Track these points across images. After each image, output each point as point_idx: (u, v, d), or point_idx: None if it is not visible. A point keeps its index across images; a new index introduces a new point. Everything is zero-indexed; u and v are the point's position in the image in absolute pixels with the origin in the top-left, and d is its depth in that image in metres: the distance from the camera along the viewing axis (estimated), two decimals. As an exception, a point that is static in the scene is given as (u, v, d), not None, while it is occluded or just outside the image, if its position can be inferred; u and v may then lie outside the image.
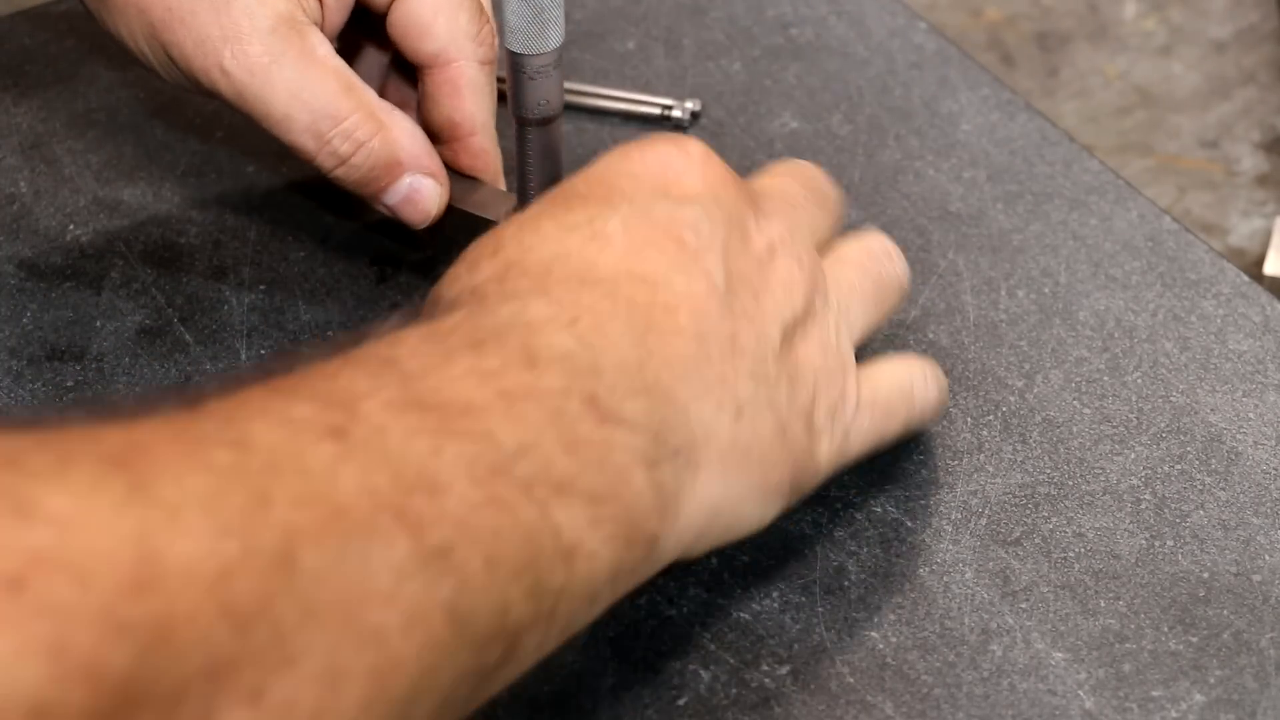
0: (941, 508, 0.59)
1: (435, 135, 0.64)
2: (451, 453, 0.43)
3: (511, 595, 0.43)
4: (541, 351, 0.47)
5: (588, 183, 0.53)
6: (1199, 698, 0.54)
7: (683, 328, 0.50)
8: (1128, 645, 0.55)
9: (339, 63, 0.60)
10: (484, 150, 0.64)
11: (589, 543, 0.46)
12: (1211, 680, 0.54)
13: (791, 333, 0.53)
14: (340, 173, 0.61)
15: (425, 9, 0.62)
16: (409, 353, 0.46)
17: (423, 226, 0.62)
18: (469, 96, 0.63)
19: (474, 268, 0.51)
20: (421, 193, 0.62)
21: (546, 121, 0.60)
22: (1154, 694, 0.54)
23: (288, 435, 0.41)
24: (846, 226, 0.60)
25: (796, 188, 0.58)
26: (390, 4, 0.63)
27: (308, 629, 0.39)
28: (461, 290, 0.51)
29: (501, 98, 0.64)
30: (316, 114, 0.59)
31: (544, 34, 0.57)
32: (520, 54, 0.58)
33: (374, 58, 0.67)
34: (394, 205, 0.62)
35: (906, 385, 0.57)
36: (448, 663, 0.42)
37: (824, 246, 0.57)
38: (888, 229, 0.68)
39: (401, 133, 0.61)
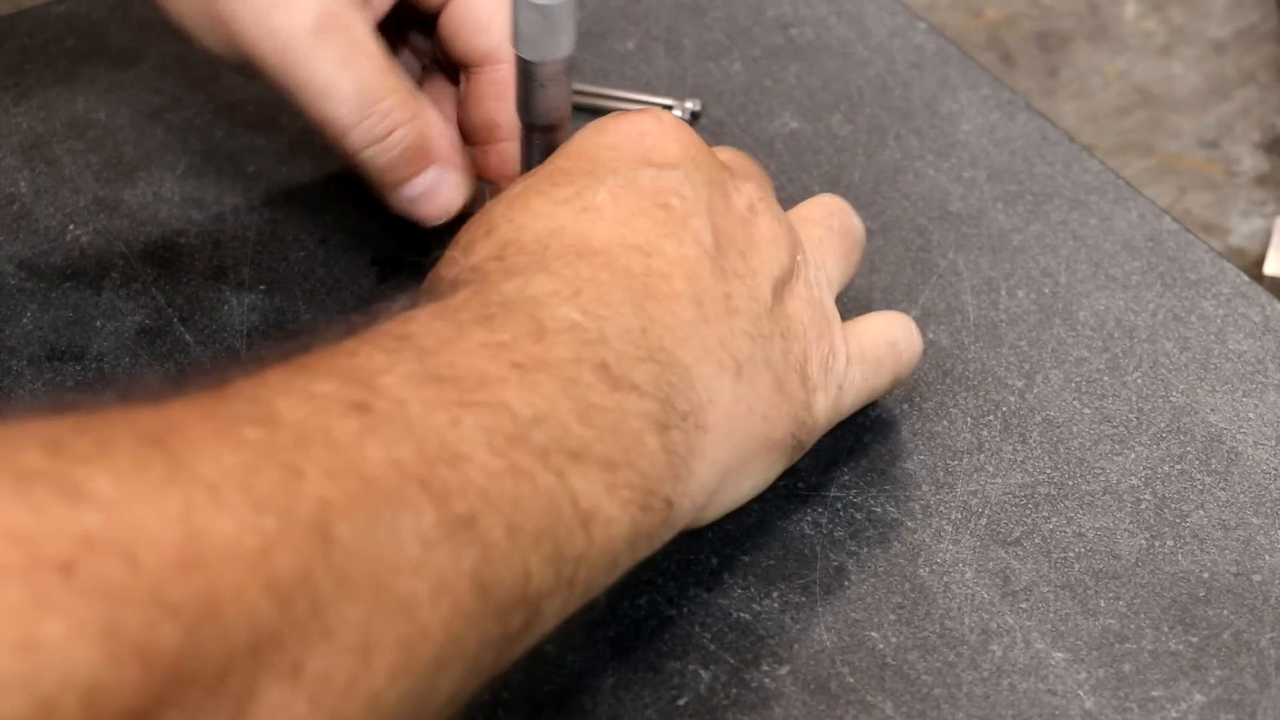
0: (941, 508, 0.59)
1: (469, 136, 0.64)
2: (470, 424, 0.44)
3: (532, 562, 0.44)
4: (549, 324, 0.48)
5: (569, 158, 0.53)
6: (1199, 698, 0.54)
7: (679, 293, 0.51)
8: (1128, 645, 0.55)
9: (380, 45, 0.60)
10: (512, 157, 0.64)
11: (606, 508, 0.46)
12: (1211, 680, 0.54)
13: (780, 289, 0.54)
14: (370, 154, 0.59)
15: (484, 7, 0.62)
16: (421, 330, 0.47)
17: (438, 223, 0.62)
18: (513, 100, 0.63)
19: (469, 250, 0.52)
20: (446, 185, 0.61)
21: (553, 127, 0.60)
22: (1154, 694, 0.54)
23: (313, 411, 0.42)
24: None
25: (745, 160, 0.59)
26: (445, 1, 0.62)
27: (342, 601, 0.39)
28: (461, 271, 0.51)
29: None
30: (359, 87, 0.58)
31: (556, 42, 0.57)
32: (532, 62, 0.58)
33: (408, 60, 0.67)
34: (414, 198, 0.61)
35: (891, 338, 0.59)
36: (473, 631, 0.42)
37: None
38: (888, 229, 0.69)
39: (434, 123, 0.61)
